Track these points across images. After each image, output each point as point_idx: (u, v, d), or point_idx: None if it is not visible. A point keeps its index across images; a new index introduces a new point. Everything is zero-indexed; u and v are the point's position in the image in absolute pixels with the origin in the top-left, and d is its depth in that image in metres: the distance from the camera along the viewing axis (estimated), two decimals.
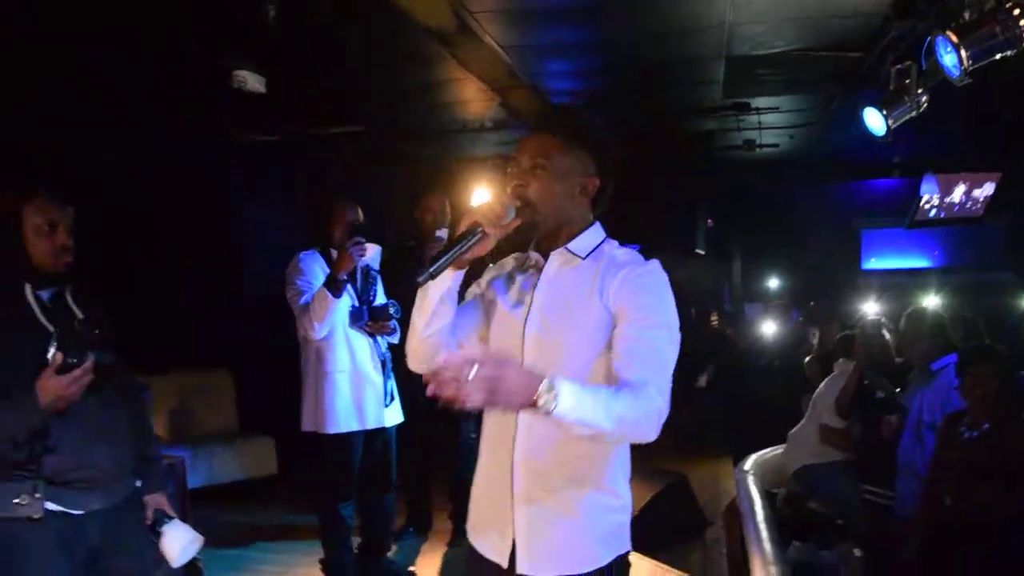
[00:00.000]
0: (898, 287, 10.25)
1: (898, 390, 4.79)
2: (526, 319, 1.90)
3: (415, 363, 1.95)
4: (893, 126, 4.80)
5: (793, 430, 5.19)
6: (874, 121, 4.88)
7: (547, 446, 1.85)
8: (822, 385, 5.18)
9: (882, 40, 4.87)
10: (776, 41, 5.09)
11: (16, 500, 2.28)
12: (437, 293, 1.87)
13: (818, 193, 10.91)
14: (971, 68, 3.44)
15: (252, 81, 4.96)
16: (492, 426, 1.95)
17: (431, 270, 1.82)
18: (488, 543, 1.94)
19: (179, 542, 2.63)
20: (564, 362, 1.80)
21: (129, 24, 4.28)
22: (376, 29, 4.47)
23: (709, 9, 4.47)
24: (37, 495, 2.29)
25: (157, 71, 5.12)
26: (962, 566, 3.53)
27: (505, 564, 1.89)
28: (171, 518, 2.68)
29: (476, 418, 4.72)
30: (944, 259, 11.78)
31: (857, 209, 11.42)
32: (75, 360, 2.22)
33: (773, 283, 12.56)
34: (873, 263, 12.05)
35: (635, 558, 3.38)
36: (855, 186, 11.21)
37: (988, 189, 9.91)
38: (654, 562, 3.41)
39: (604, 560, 1.89)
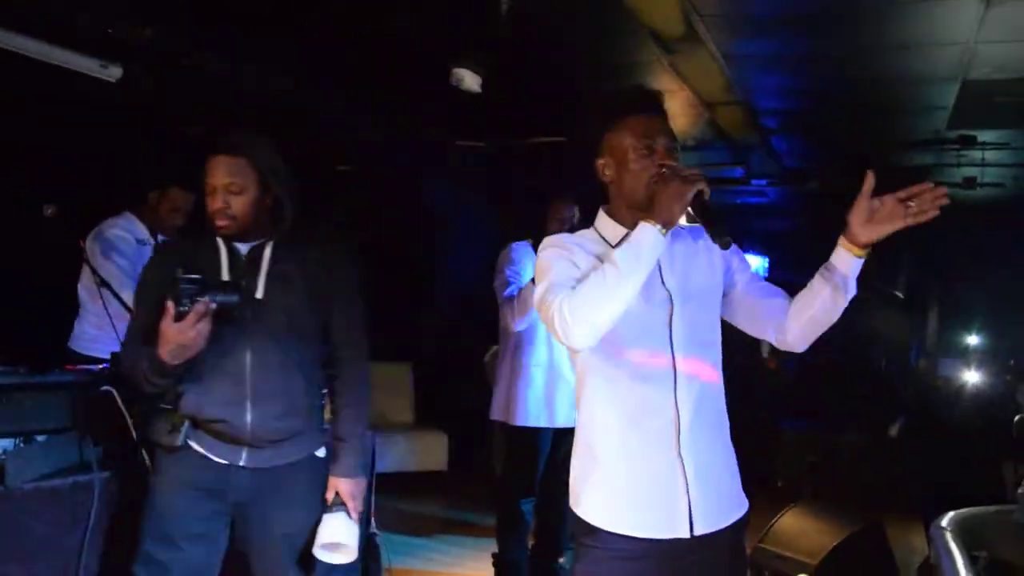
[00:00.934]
0: None
1: None
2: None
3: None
4: None
5: None
6: None
7: (705, 399, 1.95)
8: None
9: None
10: (1021, 63, 4.71)
11: (161, 429, 2.41)
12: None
13: None
14: None
15: (469, 80, 5.08)
16: (638, 398, 1.91)
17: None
18: (654, 520, 1.88)
19: (332, 537, 2.48)
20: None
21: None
22: (601, 29, 4.45)
23: (955, 24, 4.19)
24: (175, 430, 2.37)
25: (379, 61, 5.29)
26: None
27: (687, 533, 1.87)
28: (342, 507, 2.51)
29: None
30: None
31: None
32: (185, 307, 2.21)
33: (973, 339, 11.66)
34: None
35: None
36: None
37: None
38: None
39: (745, 498, 2.05)
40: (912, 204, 1.87)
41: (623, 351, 1.90)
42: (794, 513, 4.61)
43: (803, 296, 2.00)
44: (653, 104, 2.00)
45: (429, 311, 7.79)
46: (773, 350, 9.26)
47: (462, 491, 6.18)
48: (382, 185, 7.38)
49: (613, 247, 1.87)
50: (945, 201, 1.87)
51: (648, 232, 1.79)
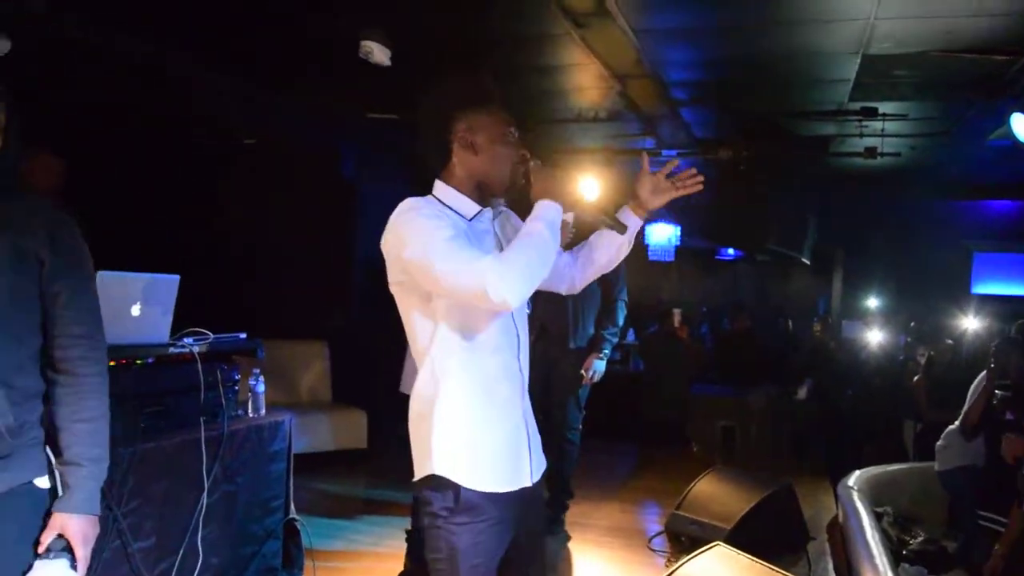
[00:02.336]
0: (1008, 315, 9.76)
1: None
2: None
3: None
4: None
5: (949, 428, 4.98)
6: (1021, 127, 4.61)
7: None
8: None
9: None
10: (919, 40, 4.86)
11: None
12: None
13: (931, 210, 10.45)
14: None
15: (378, 53, 4.99)
16: (496, 365, 2.06)
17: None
18: (507, 473, 2.05)
19: None
20: None
21: None
22: (511, 6, 4.41)
23: (855, 1, 4.28)
24: None
25: (285, 39, 5.18)
26: None
27: (530, 482, 2.11)
28: (65, 554, 1.90)
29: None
30: None
31: (971, 230, 10.90)
32: None
33: (873, 301, 12.13)
34: (983, 288, 11.49)
35: (741, 556, 3.25)
36: (971, 206, 10.71)
37: None
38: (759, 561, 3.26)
39: None
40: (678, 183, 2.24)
41: (484, 322, 2.02)
42: (708, 480, 4.75)
43: (590, 253, 2.28)
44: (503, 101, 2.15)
45: (345, 286, 7.68)
46: (684, 319, 9.47)
47: (383, 469, 6.14)
48: (295, 159, 7.21)
49: (469, 220, 2.06)
50: (700, 187, 2.26)
51: (556, 210, 2.01)
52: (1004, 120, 5.24)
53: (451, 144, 2.06)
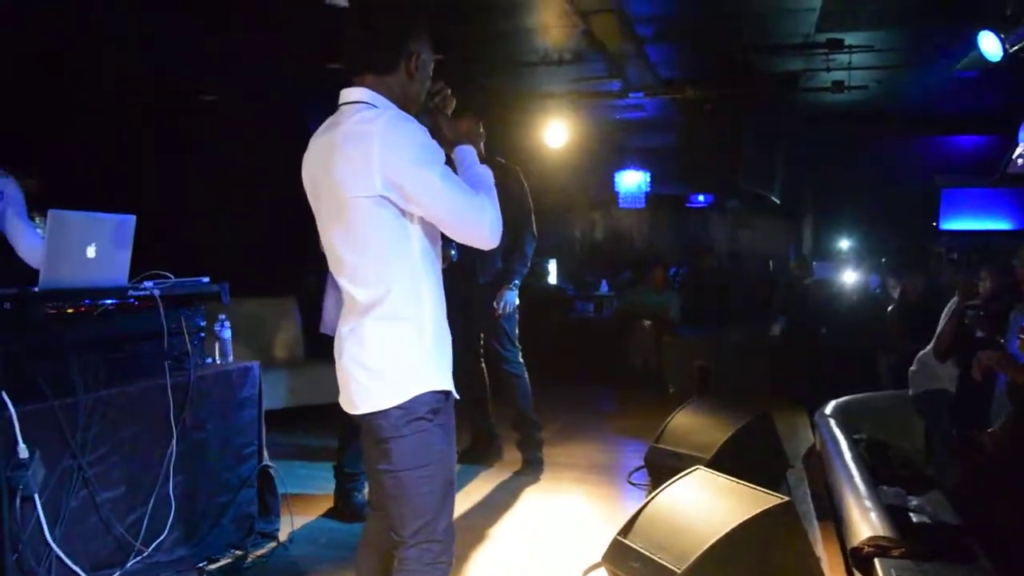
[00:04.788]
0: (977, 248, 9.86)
1: None
2: None
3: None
4: (1011, 51, 4.50)
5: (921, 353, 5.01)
6: (990, 45, 4.59)
7: None
8: None
9: None
10: None
11: None
12: None
13: (899, 147, 10.48)
14: None
15: None
16: (439, 276, 2.11)
17: None
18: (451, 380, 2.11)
19: None
20: None
21: None
22: None
23: None
24: None
25: None
26: None
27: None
28: None
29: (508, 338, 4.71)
30: None
31: (939, 165, 10.95)
32: None
33: (845, 242, 12.20)
34: (952, 223, 11.58)
35: (721, 477, 3.25)
36: (938, 141, 10.75)
37: None
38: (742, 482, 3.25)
39: None
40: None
41: (437, 241, 2.10)
42: (685, 413, 4.74)
43: None
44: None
45: (314, 243, 7.55)
46: (660, 265, 9.43)
47: None
48: (256, 113, 7.05)
49: None
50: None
51: (475, 153, 2.15)
52: (970, 48, 5.21)
53: (398, 61, 2.04)
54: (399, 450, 2.00)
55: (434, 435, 2.03)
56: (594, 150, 9.39)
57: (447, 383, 2.07)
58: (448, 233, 2.03)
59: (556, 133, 7.98)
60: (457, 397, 2.11)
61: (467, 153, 2.13)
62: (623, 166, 10.80)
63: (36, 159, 5.72)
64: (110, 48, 5.70)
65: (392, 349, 2.01)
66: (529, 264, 4.95)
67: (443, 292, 2.11)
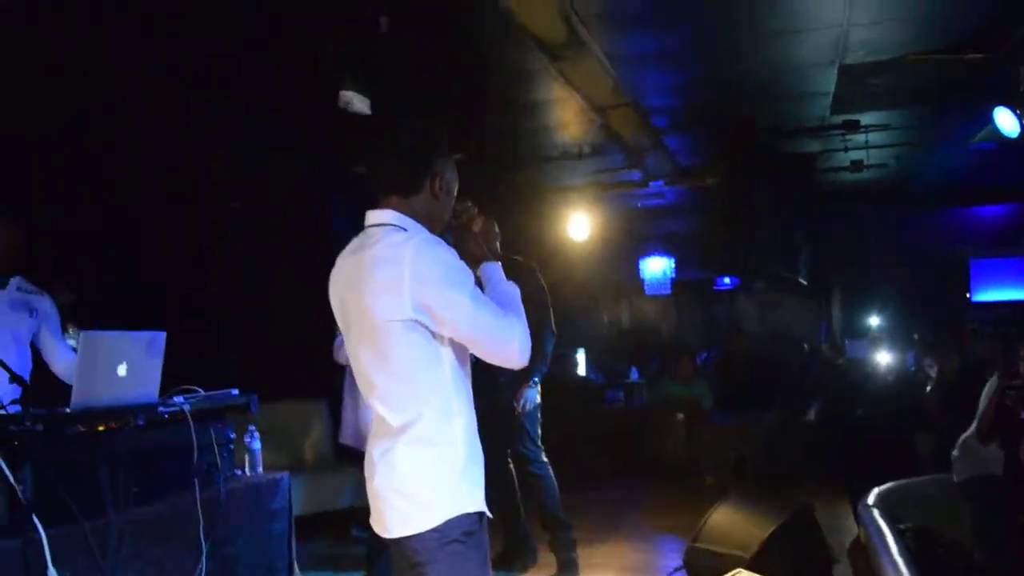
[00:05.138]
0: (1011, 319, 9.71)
1: None
2: None
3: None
4: None
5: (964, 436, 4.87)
6: (1006, 122, 4.61)
7: None
8: None
9: (1010, 38, 4.63)
10: (893, 44, 4.88)
11: None
12: None
13: (923, 220, 10.44)
14: None
15: (357, 102, 4.98)
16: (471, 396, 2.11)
17: None
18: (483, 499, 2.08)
19: None
20: None
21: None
22: (486, 43, 4.43)
23: (826, 7, 4.30)
24: None
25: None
26: None
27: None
28: None
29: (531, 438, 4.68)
30: None
31: (965, 237, 10.87)
32: None
33: (875, 319, 12.07)
34: (984, 295, 11.43)
35: None
36: (963, 212, 10.70)
37: None
38: None
39: None
40: None
41: (467, 361, 2.10)
42: (724, 509, 4.61)
43: None
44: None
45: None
46: (688, 354, 9.35)
47: None
48: (286, 217, 7.19)
49: None
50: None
51: (500, 268, 2.17)
52: (986, 121, 5.25)
53: (423, 182, 2.07)
54: (434, 574, 1.96)
55: (469, 558, 1.98)
56: (617, 239, 9.45)
57: (480, 503, 2.04)
58: (478, 354, 2.04)
59: (579, 225, 8.05)
60: (491, 516, 2.07)
61: (494, 270, 2.14)
62: (647, 253, 10.85)
63: (72, 271, 5.85)
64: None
65: (425, 473, 1.98)
66: (548, 361, 4.96)
67: (473, 408, 2.09)
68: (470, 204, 2.19)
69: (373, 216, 2.09)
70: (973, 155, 7.58)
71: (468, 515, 1.99)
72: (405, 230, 2.02)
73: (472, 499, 2.01)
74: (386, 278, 1.93)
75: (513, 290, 2.11)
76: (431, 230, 2.07)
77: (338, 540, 5.72)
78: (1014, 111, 4.55)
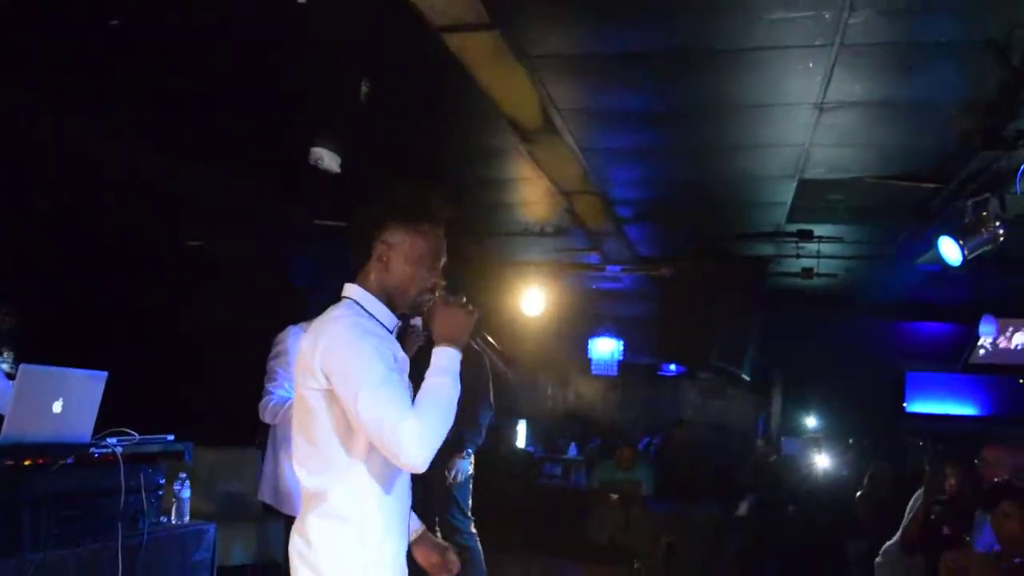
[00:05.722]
0: (943, 433, 9.94)
1: None
2: None
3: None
4: (969, 256, 4.73)
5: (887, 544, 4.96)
6: (949, 250, 4.82)
7: None
8: None
9: (959, 173, 4.87)
10: (852, 166, 5.09)
11: None
12: None
13: (866, 331, 10.72)
14: None
15: (328, 160, 5.03)
16: (400, 485, 2.06)
17: None
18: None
19: None
20: None
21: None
22: (461, 115, 4.51)
23: (792, 127, 4.49)
24: None
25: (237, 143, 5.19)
26: None
27: None
28: None
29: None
30: (991, 407, 11.43)
31: (904, 351, 11.20)
32: None
33: (811, 420, 12.25)
34: (917, 406, 11.73)
35: None
36: (903, 327, 11.03)
37: None
38: None
39: None
40: None
41: None
42: None
43: None
44: (447, 222, 2.13)
45: None
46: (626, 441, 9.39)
47: None
48: (243, 263, 7.14)
49: (390, 331, 2.09)
50: None
51: (455, 358, 2.00)
52: (931, 245, 5.46)
53: (370, 252, 2.08)
54: None
55: None
56: (569, 317, 9.54)
57: None
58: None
59: (533, 300, 8.13)
60: None
61: (440, 359, 2.00)
62: (597, 333, 10.94)
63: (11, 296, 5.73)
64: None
65: (334, 551, 1.96)
66: (484, 433, 5.00)
67: (401, 493, 2.06)
68: (434, 285, 2.10)
69: (344, 289, 2.12)
70: (918, 275, 7.85)
71: None
72: (354, 306, 2.05)
73: None
74: (306, 347, 1.98)
75: (442, 388, 1.96)
76: (394, 304, 2.08)
77: None
78: (957, 241, 4.76)
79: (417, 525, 2.27)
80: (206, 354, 6.86)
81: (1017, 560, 3.47)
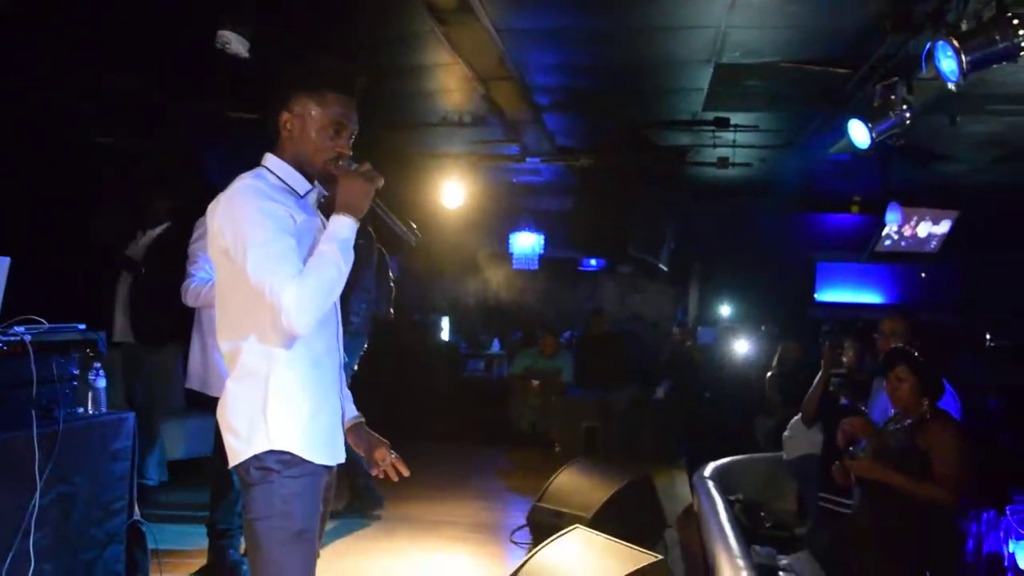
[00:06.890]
0: (849, 319, 10.41)
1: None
2: None
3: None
4: (877, 139, 4.87)
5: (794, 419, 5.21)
6: (858, 133, 4.95)
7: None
8: None
9: (870, 57, 4.96)
10: (768, 50, 5.13)
11: None
12: None
13: (779, 222, 11.04)
14: (970, 74, 3.49)
15: (236, 43, 4.83)
16: (323, 341, 2.12)
17: None
18: (332, 449, 2.13)
19: None
20: None
21: None
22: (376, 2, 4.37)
23: (709, 7, 4.48)
24: None
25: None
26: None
27: (343, 459, 2.19)
28: None
29: None
30: (896, 296, 12.00)
31: (814, 242, 11.59)
32: None
33: (726, 309, 12.67)
34: (826, 295, 12.24)
35: (599, 536, 3.31)
36: (814, 219, 11.38)
37: (945, 227, 10.15)
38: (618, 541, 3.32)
39: None
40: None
41: None
42: (568, 473, 4.81)
43: None
44: (354, 87, 2.13)
45: None
46: (549, 330, 9.59)
47: None
48: (155, 159, 6.89)
49: (301, 196, 2.11)
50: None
51: (350, 227, 2.03)
52: (843, 133, 5.60)
53: (279, 122, 2.12)
54: (251, 499, 2.02)
55: (284, 487, 2.01)
56: (490, 210, 9.54)
57: (294, 445, 2.02)
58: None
59: (453, 193, 8.09)
60: (321, 463, 2.08)
61: (333, 225, 2.04)
62: (518, 227, 10.98)
63: None
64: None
65: (241, 406, 2.03)
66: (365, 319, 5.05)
67: (319, 357, 2.09)
68: (342, 152, 2.11)
69: (263, 158, 2.15)
70: (830, 165, 8.08)
71: (280, 452, 2.00)
72: (260, 171, 2.09)
73: (285, 439, 2.00)
74: (210, 210, 2.05)
75: (330, 255, 1.99)
76: (306, 171, 2.12)
77: (187, 488, 5.58)
78: (866, 124, 4.88)
79: (355, 414, 2.33)
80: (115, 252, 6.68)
81: (909, 421, 3.68)
